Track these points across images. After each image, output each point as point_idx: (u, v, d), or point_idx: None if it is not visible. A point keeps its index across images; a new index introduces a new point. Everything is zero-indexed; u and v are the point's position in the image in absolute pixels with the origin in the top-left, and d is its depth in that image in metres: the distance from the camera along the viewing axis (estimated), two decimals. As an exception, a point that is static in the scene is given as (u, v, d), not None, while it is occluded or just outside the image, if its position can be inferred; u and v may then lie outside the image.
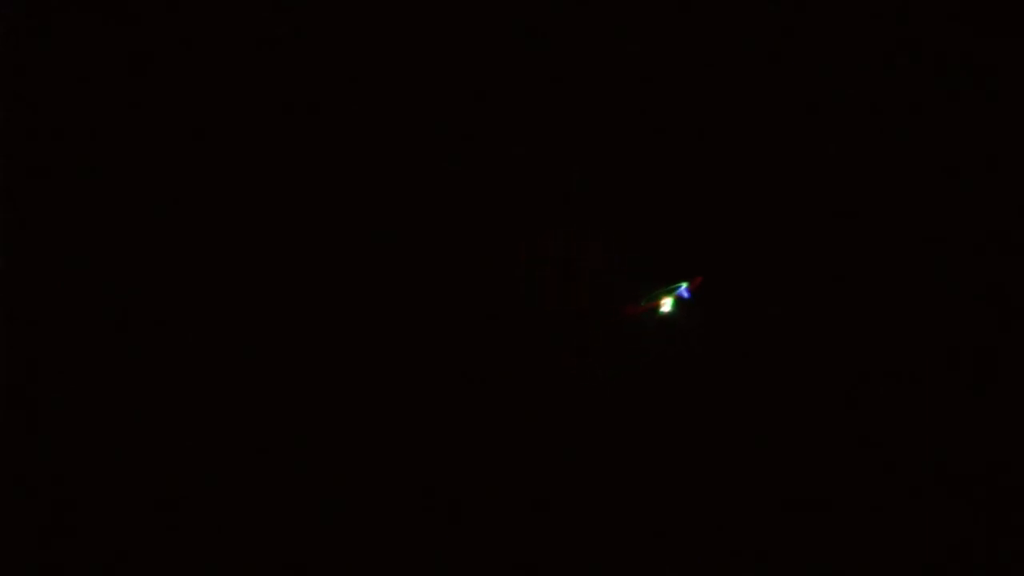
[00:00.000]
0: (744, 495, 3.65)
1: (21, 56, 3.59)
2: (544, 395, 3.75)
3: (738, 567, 3.59)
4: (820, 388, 3.71)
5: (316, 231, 3.73)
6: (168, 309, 3.64)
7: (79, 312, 3.59)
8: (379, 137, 3.77)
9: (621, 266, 3.84)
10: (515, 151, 3.81)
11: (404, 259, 3.75)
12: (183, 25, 3.67)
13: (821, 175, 3.77)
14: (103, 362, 3.59)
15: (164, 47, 3.66)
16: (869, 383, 3.70)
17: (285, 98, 3.73)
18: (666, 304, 3.74)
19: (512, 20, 3.78)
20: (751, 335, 3.77)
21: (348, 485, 3.62)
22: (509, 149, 3.80)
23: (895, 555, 3.56)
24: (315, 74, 3.73)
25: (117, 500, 3.54)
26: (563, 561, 3.59)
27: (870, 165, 3.75)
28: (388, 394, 3.69)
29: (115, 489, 3.54)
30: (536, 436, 3.71)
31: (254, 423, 3.62)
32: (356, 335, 3.71)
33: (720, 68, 3.78)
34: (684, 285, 3.72)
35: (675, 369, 3.78)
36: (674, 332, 3.80)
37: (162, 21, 3.66)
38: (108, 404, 3.58)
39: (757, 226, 3.79)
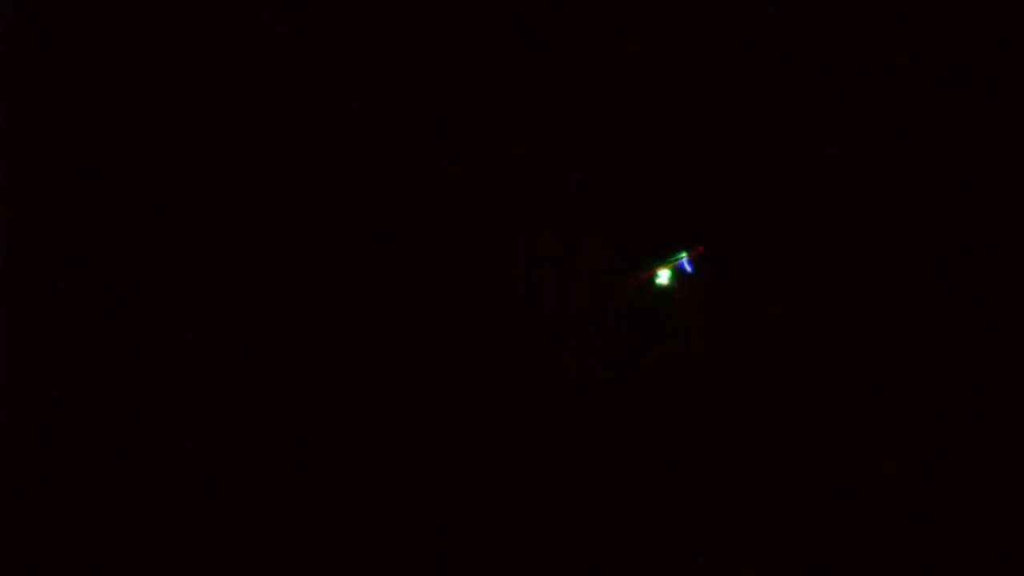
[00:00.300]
0: (744, 495, 3.65)
1: (21, 56, 3.59)
2: (544, 395, 3.76)
3: (738, 567, 3.59)
4: (819, 388, 3.71)
5: (316, 231, 3.73)
6: (168, 309, 3.64)
7: (79, 312, 3.59)
8: (379, 137, 3.77)
9: (621, 266, 3.84)
10: (515, 151, 3.81)
11: (404, 259, 3.76)
12: (183, 25, 3.67)
13: (821, 175, 3.77)
14: (103, 362, 3.59)
15: (164, 47, 3.67)
16: (869, 382, 3.70)
17: (285, 98, 3.73)
18: (663, 276, 3.75)
19: (512, 20, 3.78)
20: (751, 335, 3.77)
21: (348, 484, 3.62)
22: (509, 149, 3.81)
23: (895, 555, 3.56)
24: (315, 74, 3.73)
25: (117, 500, 3.54)
26: (563, 561, 3.59)
27: (870, 165, 3.75)
28: (388, 393, 3.69)
29: (115, 489, 3.54)
30: (536, 436, 3.71)
31: (254, 423, 3.63)
32: (356, 335, 3.71)
33: (720, 68, 3.79)
34: (684, 255, 3.73)
35: (675, 370, 3.78)
36: (674, 333, 3.81)
37: (162, 21, 3.66)
38: (108, 404, 3.58)
39: (757, 226, 3.80)
